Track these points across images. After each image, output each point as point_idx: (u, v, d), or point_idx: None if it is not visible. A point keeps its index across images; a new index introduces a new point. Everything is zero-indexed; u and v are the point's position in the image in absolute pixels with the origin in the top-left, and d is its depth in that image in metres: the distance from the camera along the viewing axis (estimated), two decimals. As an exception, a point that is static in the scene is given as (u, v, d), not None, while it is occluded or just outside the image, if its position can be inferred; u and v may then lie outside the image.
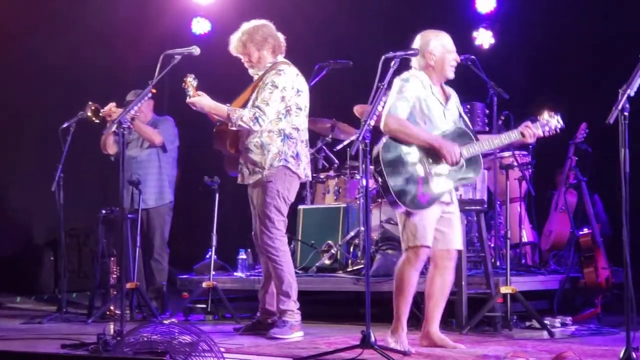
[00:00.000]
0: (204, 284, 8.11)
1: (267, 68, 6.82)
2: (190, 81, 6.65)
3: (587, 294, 7.86)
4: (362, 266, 7.86)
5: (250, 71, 6.92)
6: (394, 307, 5.95)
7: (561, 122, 6.06)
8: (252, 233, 6.92)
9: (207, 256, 8.54)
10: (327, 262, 8.43)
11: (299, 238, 8.76)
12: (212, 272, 8.17)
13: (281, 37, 6.90)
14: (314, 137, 9.46)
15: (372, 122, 5.74)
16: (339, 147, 9.24)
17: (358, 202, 8.37)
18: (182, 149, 8.96)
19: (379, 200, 8.35)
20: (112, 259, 8.52)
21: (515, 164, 8.33)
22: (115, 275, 8.46)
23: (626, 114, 4.68)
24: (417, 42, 6.12)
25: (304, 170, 6.86)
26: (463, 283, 7.08)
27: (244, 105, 6.72)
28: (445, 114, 6.07)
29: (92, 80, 10.70)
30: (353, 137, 8.13)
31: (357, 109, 8.40)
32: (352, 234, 8.41)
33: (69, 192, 8.46)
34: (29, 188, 10.50)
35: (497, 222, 8.42)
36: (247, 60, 6.87)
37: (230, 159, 6.93)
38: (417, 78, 6.02)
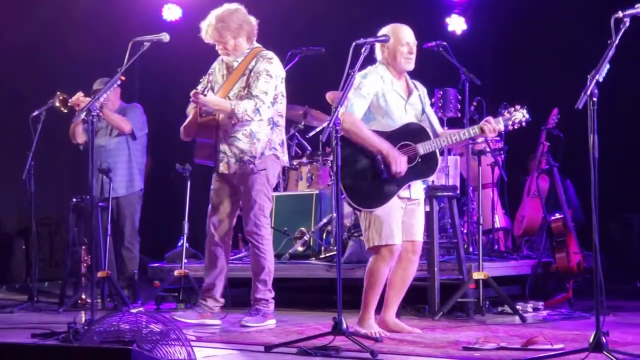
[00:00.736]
0: (176, 272, 8.07)
1: (245, 55, 6.78)
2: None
3: (559, 279, 7.90)
4: (335, 253, 7.84)
5: (226, 58, 6.84)
6: (363, 298, 5.98)
7: (527, 115, 6.03)
8: (211, 223, 6.84)
9: (179, 244, 8.51)
10: (300, 249, 8.42)
11: (272, 225, 8.73)
12: (184, 260, 8.12)
13: (254, 21, 6.86)
14: (286, 124, 9.40)
15: (343, 109, 5.75)
16: (312, 133, 9.24)
17: (331, 188, 8.35)
18: (152, 136, 8.90)
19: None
20: (83, 247, 8.47)
21: (488, 149, 8.33)
22: (86, 264, 8.41)
23: (595, 99, 4.68)
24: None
25: (285, 156, 6.92)
26: (435, 269, 7.09)
27: (229, 94, 6.67)
28: (406, 108, 6.05)
29: (60, 67, 10.62)
30: (325, 124, 8.11)
31: (329, 96, 8.36)
32: (324, 220, 8.41)
33: (40, 180, 8.40)
34: (-1, 177, 10.43)
35: (469, 208, 8.44)
36: (223, 47, 6.78)
37: (205, 148, 6.85)
38: (377, 73, 6.02)
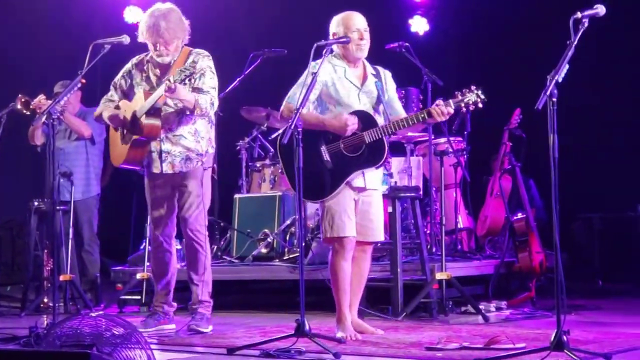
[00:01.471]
0: (138, 275, 8.03)
1: (175, 54, 6.62)
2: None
3: (521, 278, 7.95)
4: (298, 254, 7.83)
5: (158, 58, 6.59)
6: (334, 298, 5.96)
7: (482, 96, 5.78)
8: (156, 229, 6.72)
9: (142, 247, 8.46)
10: (264, 250, 8.41)
11: (235, 227, 8.73)
12: (147, 263, 8.06)
13: (186, 21, 6.68)
14: (249, 126, 9.44)
15: (306, 110, 5.74)
16: (274, 135, 9.20)
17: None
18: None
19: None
20: (45, 251, 8.41)
21: (450, 150, 8.36)
22: (48, 268, 8.34)
23: (554, 99, 4.71)
24: (331, 26, 6.09)
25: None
26: (398, 270, 7.11)
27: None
28: (359, 96, 6.00)
29: (21, 70, 10.53)
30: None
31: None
32: (288, 222, 8.40)
33: (2, 184, 8.32)
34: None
35: (432, 209, 8.46)
36: (165, 48, 6.53)
37: (138, 150, 6.65)
38: (330, 63, 5.98)
